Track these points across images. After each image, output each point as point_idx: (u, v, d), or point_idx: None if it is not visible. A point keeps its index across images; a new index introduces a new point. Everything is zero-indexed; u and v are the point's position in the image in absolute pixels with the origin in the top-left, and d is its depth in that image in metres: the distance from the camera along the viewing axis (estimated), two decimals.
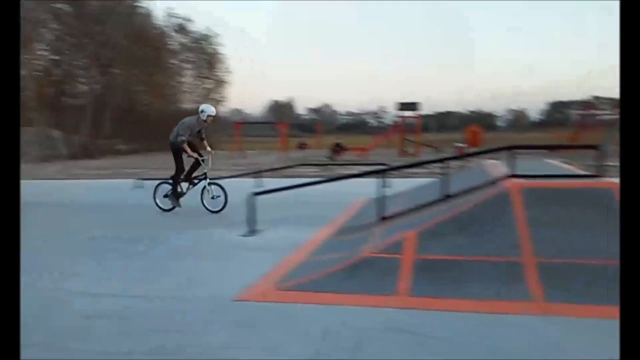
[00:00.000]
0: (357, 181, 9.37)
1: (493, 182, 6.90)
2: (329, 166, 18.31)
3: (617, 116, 36.13)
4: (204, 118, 9.56)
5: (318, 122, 57.32)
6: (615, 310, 4.40)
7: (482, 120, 63.54)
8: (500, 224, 5.84)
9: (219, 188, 9.75)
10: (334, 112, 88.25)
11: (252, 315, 4.57)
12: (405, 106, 32.88)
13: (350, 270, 5.48)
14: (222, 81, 51.77)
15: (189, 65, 51.19)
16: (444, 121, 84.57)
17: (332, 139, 35.20)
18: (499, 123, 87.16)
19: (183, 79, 51.03)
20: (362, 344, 3.91)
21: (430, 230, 5.99)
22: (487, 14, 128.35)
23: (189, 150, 9.47)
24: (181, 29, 49.38)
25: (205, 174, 9.75)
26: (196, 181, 9.99)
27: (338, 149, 29.55)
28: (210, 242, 7.56)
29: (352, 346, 3.87)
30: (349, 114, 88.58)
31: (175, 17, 48.39)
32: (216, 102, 51.94)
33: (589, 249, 5.33)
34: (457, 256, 5.49)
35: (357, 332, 4.13)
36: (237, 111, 71.17)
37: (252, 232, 7.93)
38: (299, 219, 9.05)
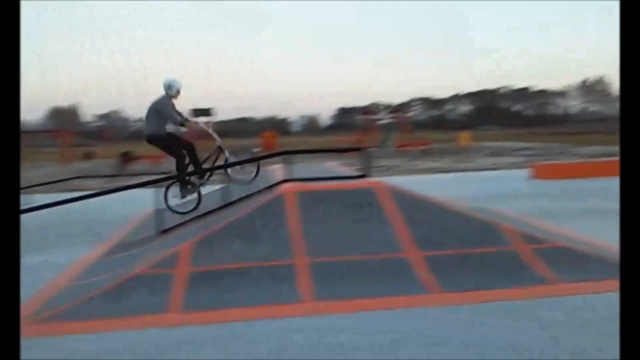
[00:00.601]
0: (145, 192, 8.70)
1: (271, 187, 7.00)
2: (117, 177, 17.07)
3: (392, 120, 40.43)
4: (173, 94, 7.67)
5: (107, 129, 53.36)
6: (383, 301, 4.77)
7: (278, 126, 65.93)
8: (276, 228, 5.92)
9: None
10: (126, 118, 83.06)
11: None
12: (198, 112, 32.31)
13: (118, 292, 5.02)
14: None
15: None
16: (242, 127, 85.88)
17: (125, 148, 32.99)
18: (295, 128, 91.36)
19: None
20: None
21: (207, 240, 5.82)
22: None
23: (198, 123, 7.90)
24: None
25: (220, 147, 7.93)
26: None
27: (126, 158, 27.78)
28: None
29: None
30: (142, 120, 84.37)
31: None
32: None
33: (355, 246, 5.68)
34: (234, 264, 5.40)
35: None
36: None
37: None
38: (67, 239, 8.15)
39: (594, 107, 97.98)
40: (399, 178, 16.24)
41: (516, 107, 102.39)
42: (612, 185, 12.04)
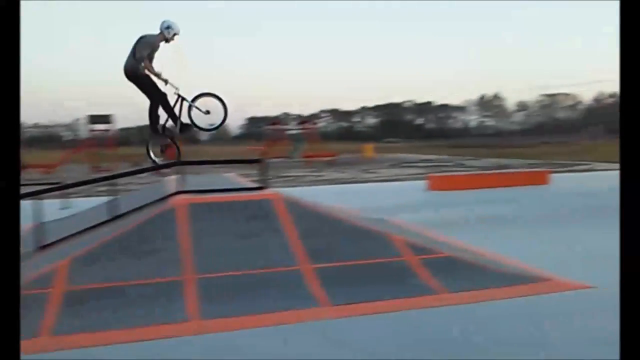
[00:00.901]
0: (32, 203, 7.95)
1: (162, 199, 6.72)
2: None
3: (302, 130, 40.70)
4: (169, 36, 7.24)
5: None
6: (271, 317, 4.67)
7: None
8: (164, 242, 5.68)
9: (212, 99, 7.36)
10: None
11: None
12: (96, 119, 30.80)
13: None
14: None
15: None
16: (146, 134, 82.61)
17: None
18: (202, 136, 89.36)
19: None
20: None
21: (89, 256, 5.46)
22: None
23: (153, 69, 7.17)
24: None
25: (179, 95, 7.38)
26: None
27: None
28: None
29: None
30: (37, 126, 78.69)
31: None
32: None
33: (247, 260, 5.56)
34: (117, 282, 5.09)
35: None
36: None
37: None
38: None
39: (490, 122, 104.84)
40: (302, 189, 16.34)
41: (419, 121, 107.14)
42: (495, 196, 12.82)
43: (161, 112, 7.49)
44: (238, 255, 5.59)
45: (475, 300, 5.06)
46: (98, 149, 31.21)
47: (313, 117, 56.90)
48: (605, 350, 3.79)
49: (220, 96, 7.33)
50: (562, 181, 16.39)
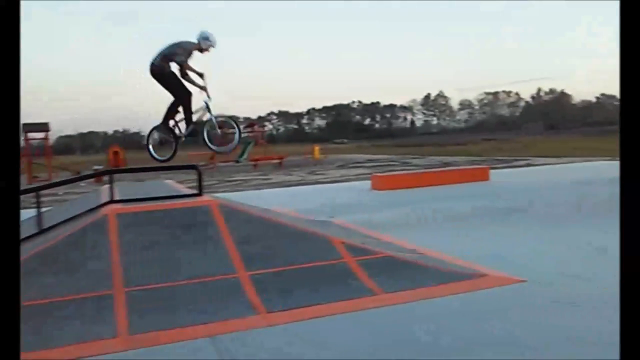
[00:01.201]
0: None
1: (93, 210, 6.45)
2: None
3: (250, 133, 40.31)
4: (205, 47, 7.49)
5: None
6: (205, 328, 4.53)
7: (127, 140, 62.33)
8: (94, 255, 5.44)
9: (228, 122, 7.80)
10: None
11: None
12: (31, 127, 29.48)
13: None
14: None
15: None
16: (88, 142, 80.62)
17: None
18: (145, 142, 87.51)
19: None
20: None
21: None
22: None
23: (192, 68, 7.37)
24: None
25: (207, 104, 7.64)
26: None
27: None
28: None
29: None
30: None
31: None
32: None
33: (182, 270, 5.39)
34: (43, 299, 4.83)
35: None
36: None
37: None
38: None
39: (434, 121, 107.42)
40: (249, 193, 16.15)
41: (367, 121, 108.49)
42: (437, 194, 13.04)
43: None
44: (172, 265, 5.42)
45: (412, 299, 5.08)
46: (35, 158, 29.92)
47: (261, 120, 56.55)
48: (548, 345, 3.89)
49: (239, 124, 7.74)
50: (501, 176, 16.90)
